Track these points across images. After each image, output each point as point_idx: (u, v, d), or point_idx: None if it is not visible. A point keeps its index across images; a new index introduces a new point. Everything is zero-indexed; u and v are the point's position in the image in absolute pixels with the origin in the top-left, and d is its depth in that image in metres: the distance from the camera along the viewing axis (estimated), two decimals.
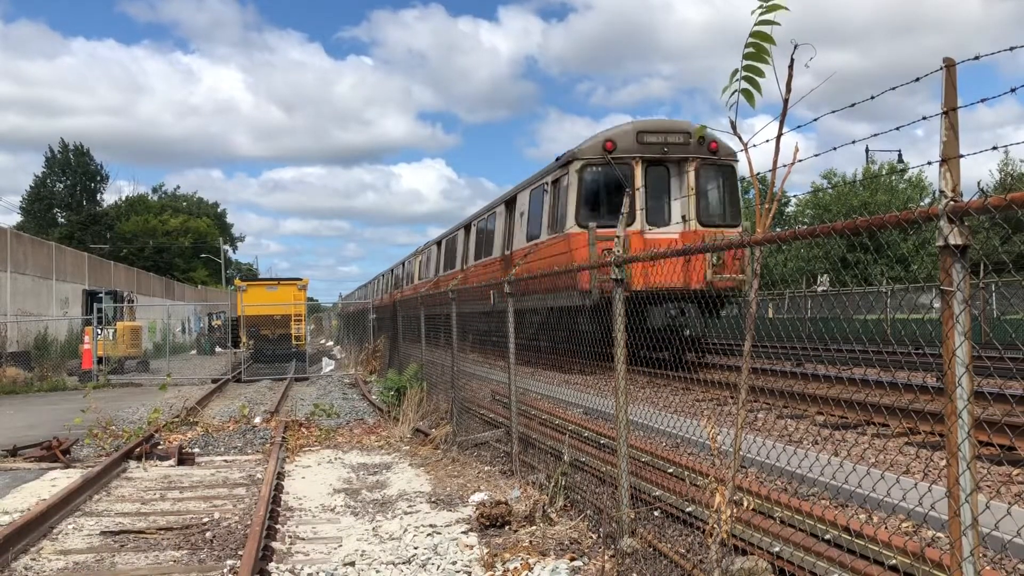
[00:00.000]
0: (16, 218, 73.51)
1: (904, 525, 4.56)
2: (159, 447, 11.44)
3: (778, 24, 3.61)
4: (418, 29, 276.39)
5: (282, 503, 8.30)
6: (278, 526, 7.27)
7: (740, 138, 3.98)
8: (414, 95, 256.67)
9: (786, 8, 3.58)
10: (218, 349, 44.87)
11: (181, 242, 79.40)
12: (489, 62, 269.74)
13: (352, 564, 6.11)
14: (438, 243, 30.11)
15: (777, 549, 4.51)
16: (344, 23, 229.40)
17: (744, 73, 3.79)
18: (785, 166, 3.70)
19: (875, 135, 4.15)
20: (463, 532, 6.84)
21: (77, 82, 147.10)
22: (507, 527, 6.71)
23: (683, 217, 14.88)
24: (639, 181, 14.54)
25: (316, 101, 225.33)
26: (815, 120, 3.64)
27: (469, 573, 5.80)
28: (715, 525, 4.13)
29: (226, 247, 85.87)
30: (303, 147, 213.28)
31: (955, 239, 2.60)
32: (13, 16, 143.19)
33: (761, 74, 3.70)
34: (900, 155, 49.83)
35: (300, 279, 34.20)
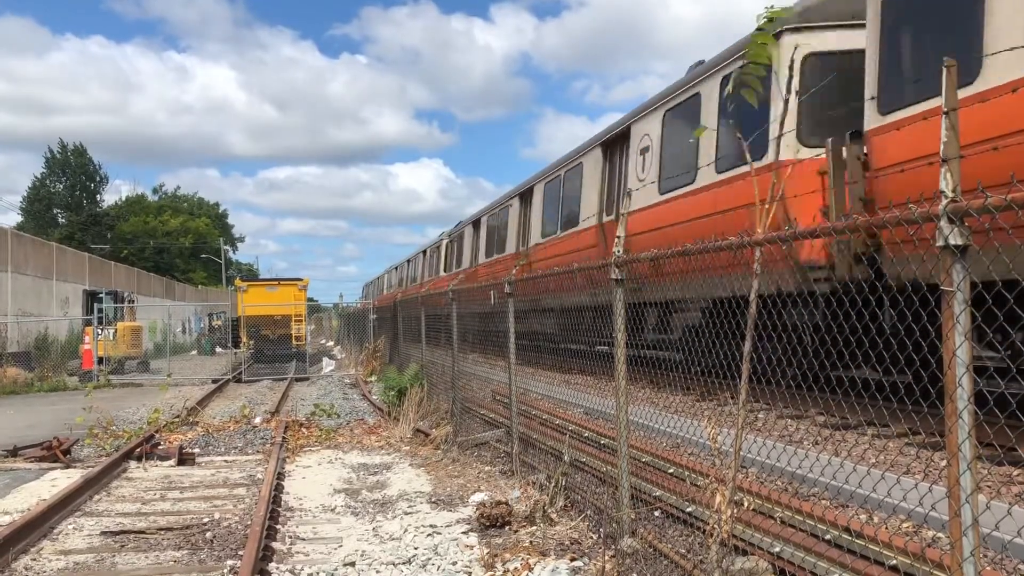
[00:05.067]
0: (16, 218, 73.68)
1: (905, 525, 4.56)
2: (159, 447, 11.44)
3: (771, 37, 3.63)
4: (410, 27, 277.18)
5: (282, 503, 8.30)
6: (278, 526, 7.27)
7: (749, 158, 3.98)
8: (409, 93, 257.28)
9: (786, 15, 3.59)
10: (218, 349, 44.87)
11: (181, 243, 79.43)
12: (484, 60, 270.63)
13: (352, 564, 6.11)
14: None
15: (778, 549, 4.51)
16: (335, 20, 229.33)
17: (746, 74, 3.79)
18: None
19: None
20: (463, 532, 6.84)
21: (68, 80, 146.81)
22: (507, 527, 6.71)
23: None
24: None
25: (310, 99, 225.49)
26: None
27: (469, 573, 5.80)
28: (715, 525, 4.14)
29: (226, 247, 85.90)
30: (298, 146, 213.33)
31: (955, 239, 2.61)
32: None
33: (763, 73, 3.70)
34: None
35: (300, 279, 34.24)
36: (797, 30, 8.97)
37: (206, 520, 7.55)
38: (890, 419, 5.94)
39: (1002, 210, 2.49)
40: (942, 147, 2.64)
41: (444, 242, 28.80)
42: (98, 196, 79.19)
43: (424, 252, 34.36)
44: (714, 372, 5.19)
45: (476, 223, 24.41)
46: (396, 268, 44.60)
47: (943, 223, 2.61)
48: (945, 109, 2.67)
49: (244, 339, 31.88)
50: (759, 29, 3.67)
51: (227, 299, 57.09)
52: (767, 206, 3.80)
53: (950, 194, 2.61)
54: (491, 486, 8.44)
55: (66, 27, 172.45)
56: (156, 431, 12.93)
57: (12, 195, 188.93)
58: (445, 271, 28.05)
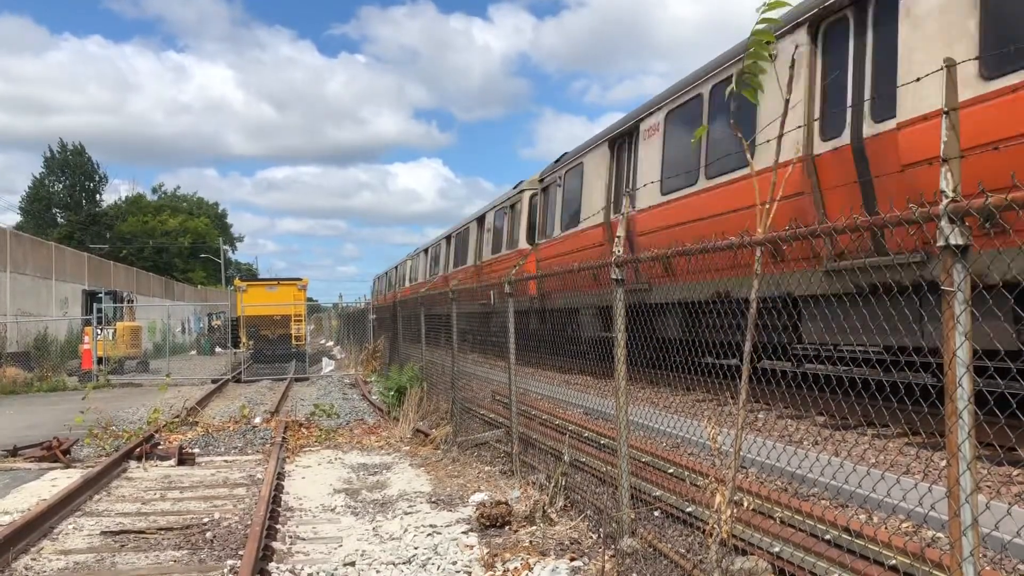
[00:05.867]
0: (15, 218, 73.66)
1: (904, 525, 4.56)
2: (159, 447, 11.45)
3: (779, 21, 3.62)
4: (409, 27, 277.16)
5: (282, 503, 8.30)
6: (278, 526, 7.27)
7: (748, 152, 3.98)
8: (408, 93, 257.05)
9: (789, 4, 3.59)
10: (218, 349, 44.89)
11: (180, 243, 79.41)
12: (482, 59, 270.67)
13: (352, 564, 6.11)
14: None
15: (777, 549, 4.51)
16: (333, 20, 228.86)
17: (746, 73, 3.79)
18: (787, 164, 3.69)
19: None
20: (463, 532, 6.84)
21: (66, 80, 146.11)
22: (507, 527, 6.71)
23: None
24: None
25: (309, 99, 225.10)
26: None
27: (469, 573, 5.80)
28: (715, 525, 4.13)
29: (225, 247, 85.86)
30: (297, 146, 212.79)
31: (956, 239, 2.61)
32: None
33: (763, 72, 3.69)
34: None
35: (300, 279, 34.20)
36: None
37: (206, 520, 7.54)
38: (890, 419, 5.94)
39: (1003, 210, 2.49)
40: (942, 147, 2.64)
41: (527, 196, 18.98)
42: (97, 196, 79.21)
43: (480, 220, 23.79)
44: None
45: (623, 139, 14.03)
46: (426, 250, 33.13)
47: (943, 223, 2.61)
48: (945, 109, 2.67)
49: (244, 339, 31.86)
50: (760, 23, 3.66)
51: (226, 299, 57.08)
52: (768, 207, 3.80)
53: (950, 194, 2.61)
54: (491, 486, 8.44)
55: (64, 26, 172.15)
56: (156, 431, 12.93)
57: (9, 195, 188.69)
58: (534, 239, 18.35)
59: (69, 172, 76.84)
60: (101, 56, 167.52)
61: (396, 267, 41.94)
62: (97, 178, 78.70)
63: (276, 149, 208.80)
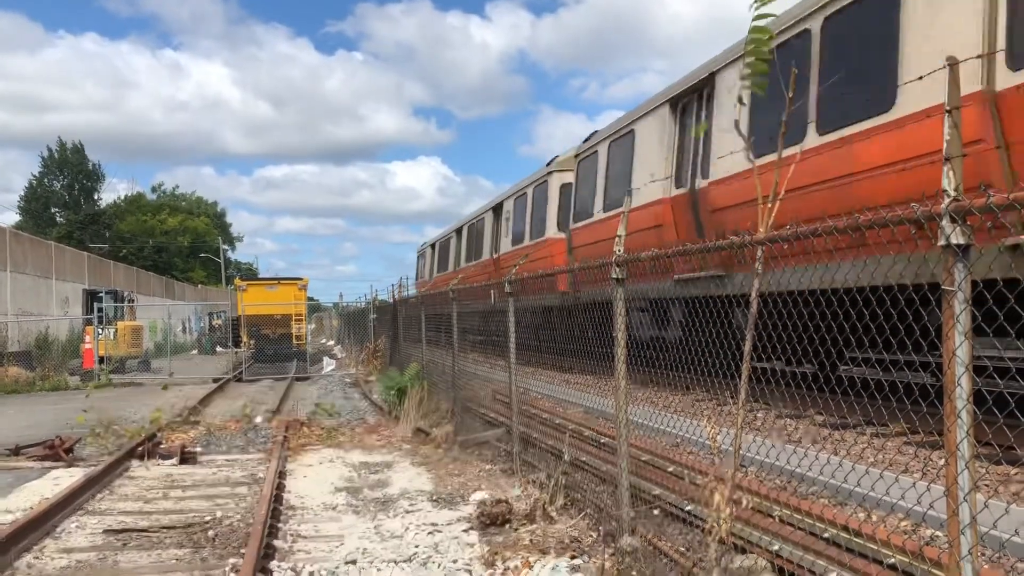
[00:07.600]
0: (14, 217, 73.63)
1: (903, 524, 4.57)
2: (161, 446, 11.46)
3: (775, 15, 3.62)
4: (406, 23, 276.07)
5: (284, 502, 8.31)
6: (280, 524, 7.29)
7: (751, 153, 4.00)
8: (406, 90, 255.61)
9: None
10: (219, 349, 44.88)
11: (180, 242, 79.39)
12: (480, 57, 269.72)
13: (354, 562, 6.13)
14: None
15: (776, 547, 4.53)
16: (329, 17, 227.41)
17: (748, 72, 3.80)
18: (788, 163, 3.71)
19: None
20: (464, 530, 6.86)
21: (62, 77, 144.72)
22: (508, 525, 6.72)
23: None
24: None
25: (306, 97, 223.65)
26: None
27: (470, 571, 5.82)
28: (715, 524, 4.15)
29: (225, 247, 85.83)
30: (295, 144, 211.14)
31: (957, 239, 2.62)
32: None
33: (766, 70, 3.70)
34: None
35: (300, 278, 34.23)
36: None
37: (208, 518, 7.56)
38: (889, 418, 5.96)
39: (1004, 208, 2.50)
40: (945, 146, 2.65)
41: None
42: (95, 195, 79.15)
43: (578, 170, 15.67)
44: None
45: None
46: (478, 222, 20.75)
47: (945, 222, 2.62)
48: (947, 108, 2.68)
49: (244, 338, 31.86)
50: (756, 19, 3.65)
51: (227, 298, 57.08)
52: (770, 205, 3.81)
53: (952, 193, 2.62)
54: (492, 484, 8.46)
55: (59, 24, 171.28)
56: (158, 430, 12.94)
57: (7, 194, 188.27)
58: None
59: (68, 171, 76.79)
60: (97, 54, 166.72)
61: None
62: (96, 177, 78.67)
63: (274, 147, 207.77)
